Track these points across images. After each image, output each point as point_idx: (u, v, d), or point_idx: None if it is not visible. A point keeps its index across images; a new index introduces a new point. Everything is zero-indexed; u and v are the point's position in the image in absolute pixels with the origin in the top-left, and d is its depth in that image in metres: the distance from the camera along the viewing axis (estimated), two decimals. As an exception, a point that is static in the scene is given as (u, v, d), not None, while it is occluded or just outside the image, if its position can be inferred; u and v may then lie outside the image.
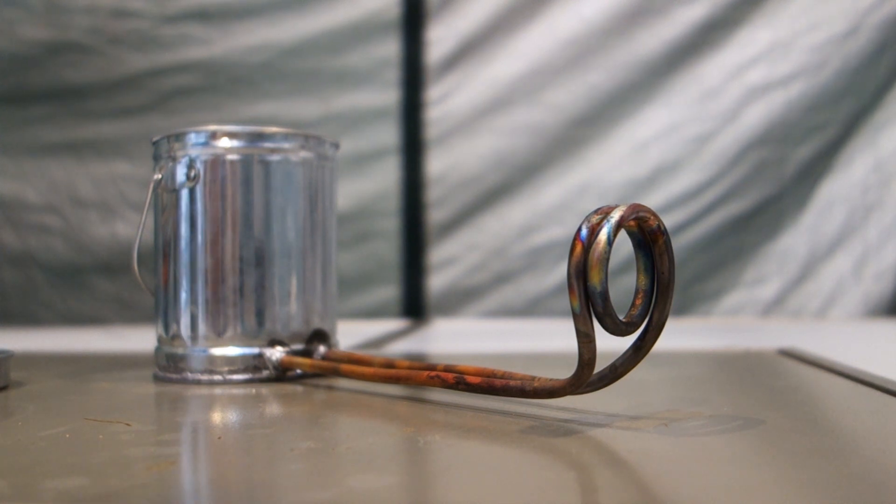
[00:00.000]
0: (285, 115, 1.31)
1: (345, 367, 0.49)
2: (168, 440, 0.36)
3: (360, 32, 1.32)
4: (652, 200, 1.27)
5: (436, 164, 1.35)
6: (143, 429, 0.38)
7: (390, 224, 1.36)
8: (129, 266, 0.55)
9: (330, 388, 0.50)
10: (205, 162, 0.52)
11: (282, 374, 0.52)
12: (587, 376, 0.35)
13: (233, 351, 0.52)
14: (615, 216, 0.33)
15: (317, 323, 0.54)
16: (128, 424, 0.38)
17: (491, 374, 0.41)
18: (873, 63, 1.29)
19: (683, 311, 1.30)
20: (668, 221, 0.35)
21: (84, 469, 0.30)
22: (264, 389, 0.50)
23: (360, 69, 1.33)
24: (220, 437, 0.37)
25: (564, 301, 0.35)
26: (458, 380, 0.41)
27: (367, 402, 0.45)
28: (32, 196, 1.31)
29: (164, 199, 0.54)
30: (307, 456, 0.32)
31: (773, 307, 1.31)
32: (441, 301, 1.35)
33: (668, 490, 0.27)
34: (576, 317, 0.33)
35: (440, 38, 1.34)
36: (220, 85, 1.32)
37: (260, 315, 0.52)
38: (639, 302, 0.36)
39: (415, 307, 1.35)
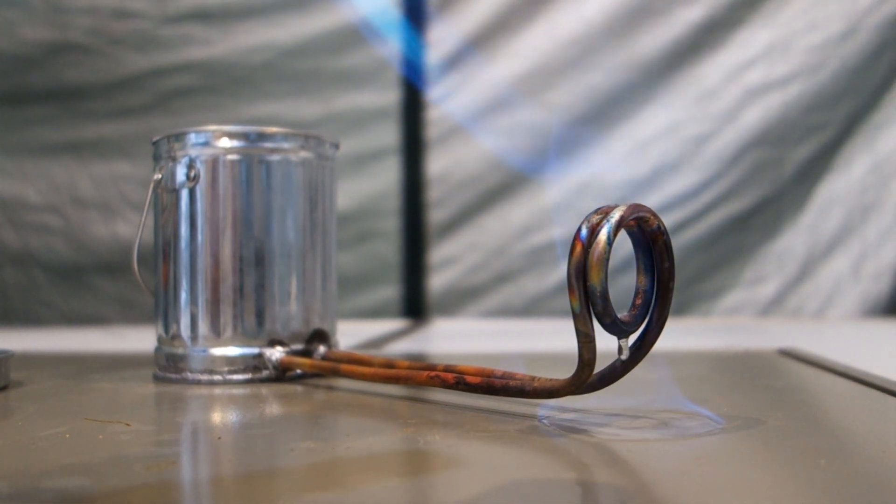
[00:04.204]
0: (286, 116, 1.31)
1: (345, 367, 0.49)
2: (168, 440, 0.36)
3: (360, 33, 1.32)
4: (651, 200, 1.27)
5: (436, 164, 1.35)
6: (143, 429, 0.38)
7: (390, 224, 1.36)
8: (130, 266, 0.55)
9: (330, 388, 0.50)
10: (205, 162, 0.52)
11: (282, 374, 0.52)
12: (587, 376, 0.35)
13: (233, 351, 0.52)
14: (615, 216, 0.33)
15: (317, 323, 0.54)
16: (128, 424, 0.38)
17: (491, 374, 0.41)
18: (872, 64, 1.29)
19: (683, 310, 1.30)
20: (668, 221, 0.35)
21: (84, 469, 0.30)
22: (264, 389, 0.50)
23: (361, 69, 1.33)
24: (220, 437, 0.37)
25: (564, 301, 0.35)
26: (458, 380, 0.41)
27: (367, 402, 0.45)
28: (33, 196, 1.31)
29: (164, 200, 0.54)
30: (307, 456, 0.32)
31: (772, 307, 1.31)
32: (441, 301, 1.35)
33: (668, 490, 0.27)
34: (576, 317, 0.33)
35: (440, 38, 1.34)
36: (220, 85, 1.32)
37: (260, 315, 0.52)
38: (639, 302, 0.36)
39: (415, 307, 1.35)
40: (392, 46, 1.35)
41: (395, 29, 1.33)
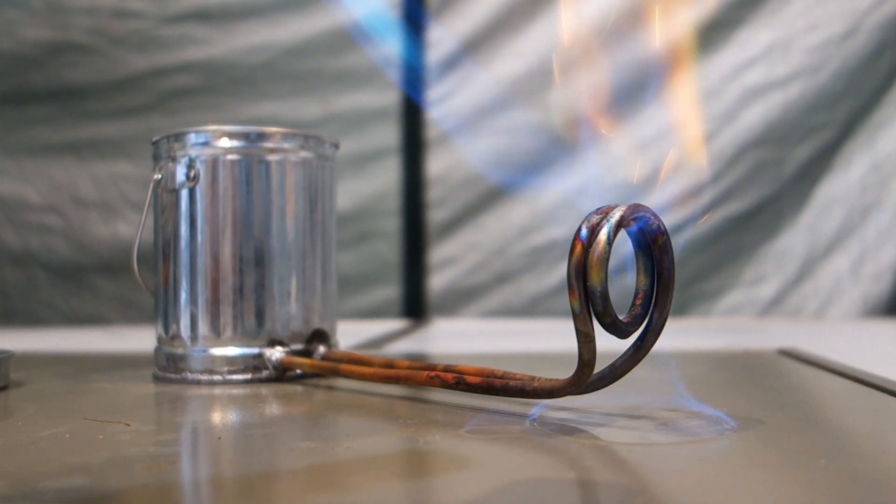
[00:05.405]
0: (286, 116, 1.31)
1: (345, 367, 0.49)
2: (168, 440, 0.36)
3: (360, 33, 1.32)
4: (651, 200, 1.27)
5: (436, 164, 1.35)
6: (143, 429, 0.38)
7: (390, 224, 1.36)
8: (130, 266, 0.55)
9: (330, 388, 0.50)
10: (204, 162, 0.52)
11: (282, 374, 0.52)
12: (587, 376, 0.35)
13: (232, 351, 0.52)
14: (615, 216, 0.33)
15: (317, 323, 0.54)
16: (128, 424, 0.38)
17: (491, 374, 0.41)
18: (872, 64, 1.29)
19: (682, 310, 1.30)
20: (668, 221, 0.35)
21: (84, 469, 0.30)
22: (264, 389, 0.50)
23: (361, 69, 1.33)
24: (220, 437, 0.37)
25: (564, 301, 0.35)
26: (458, 380, 0.41)
27: (367, 402, 0.45)
28: (33, 196, 1.31)
29: (164, 200, 0.54)
30: (307, 456, 0.32)
31: (772, 307, 1.31)
32: (441, 301, 1.35)
33: (668, 489, 0.27)
34: (576, 317, 0.33)
35: (440, 38, 1.34)
36: (220, 85, 1.32)
37: (260, 315, 0.52)
38: (639, 302, 0.36)
39: (415, 307, 1.35)
40: (392, 47, 1.35)
41: (392, 32, 1.33)
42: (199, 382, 0.52)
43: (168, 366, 0.53)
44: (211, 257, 0.52)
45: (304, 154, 0.54)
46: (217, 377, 0.52)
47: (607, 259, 0.33)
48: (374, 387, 0.49)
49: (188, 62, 1.31)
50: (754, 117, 1.30)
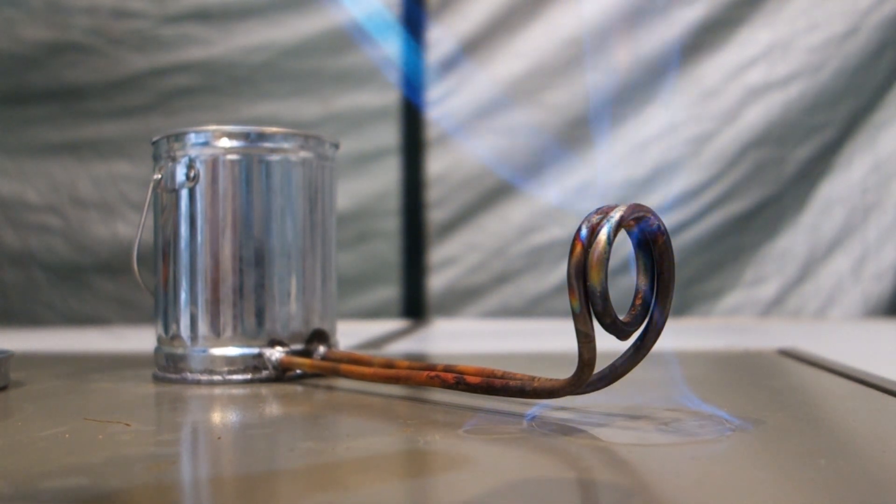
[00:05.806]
0: (286, 116, 1.31)
1: (345, 367, 0.49)
2: (168, 440, 0.36)
3: (360, 33, 1.32)
4: (651, 200, 1.27)
5: (436, 164, 1.35)
6: (143, 429, 0.38)
7: (390, 224, 1.36)
8: (129, 266, 0.55)
9: (330, 388, 0.50)
10: (204, 162, 0.52)
11: (281, 374, 0.52)
12: (587, 376, 0.35)
13: (232, 351, 0.52)
14: (615, 216, 0.33)
15: (317, 323, 0.54)
16: (127, 424, 0.38)
17: (491, 374, 0.41)
18: (872, 63, 1.29)
19: (683, 311, 1.30)
20: (668, 221, 0.35)
21: (84, 469, 0.30)
22: (264, 389, 0.50)
23: (361, 69, 1.33)
24: (220, 437, 0.37)
25: (564, 301, 0.35)
26: (458, 380, 0.41)
27: (367, 402, 0.45)
28: (33, 196, 1.31)
29: (164, 200, 0.54)
30: (307, 456, 0.32)
31: (773, 307, 1.31)
32: (441, 301, 1.35)
33: (668, 489, 0.27)
34: (576, 317, 0.33)
35: (439, 38, 1.34)
36: (220, 85, 1.32)
37: (260, 315, 0.52)
38: (639, 302, 0.36)
39: (415, 307, 1.35)
40: (391, 48, 1.35)
41: (392, 32, 1.33)
42: (199, 382, 0.52)
43: (168, 366, 0.53)
44: (211, 257, 0.52)
45: (304, 154, 0.54)
46: (217, 377, 0.52)
47: (607, 259, 0.33)
48: (374, 387, 0.49)
49: (188, 62, 1.31)
50: (755, 117, 1.30)
